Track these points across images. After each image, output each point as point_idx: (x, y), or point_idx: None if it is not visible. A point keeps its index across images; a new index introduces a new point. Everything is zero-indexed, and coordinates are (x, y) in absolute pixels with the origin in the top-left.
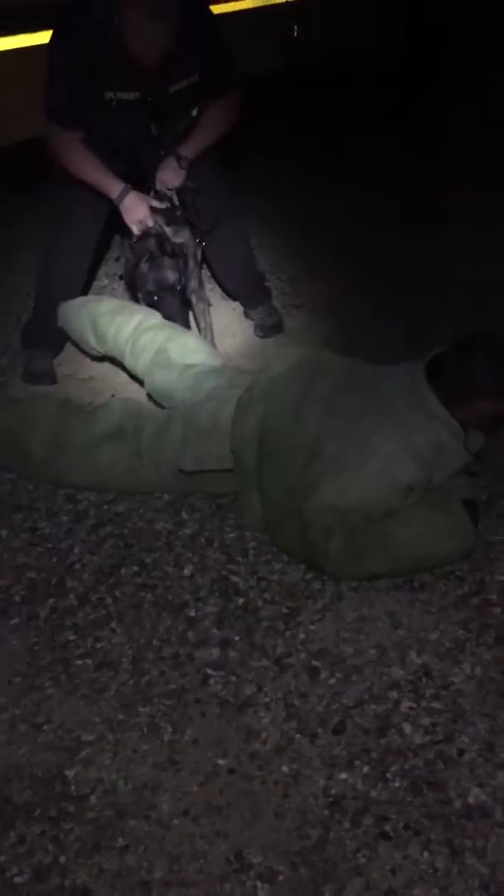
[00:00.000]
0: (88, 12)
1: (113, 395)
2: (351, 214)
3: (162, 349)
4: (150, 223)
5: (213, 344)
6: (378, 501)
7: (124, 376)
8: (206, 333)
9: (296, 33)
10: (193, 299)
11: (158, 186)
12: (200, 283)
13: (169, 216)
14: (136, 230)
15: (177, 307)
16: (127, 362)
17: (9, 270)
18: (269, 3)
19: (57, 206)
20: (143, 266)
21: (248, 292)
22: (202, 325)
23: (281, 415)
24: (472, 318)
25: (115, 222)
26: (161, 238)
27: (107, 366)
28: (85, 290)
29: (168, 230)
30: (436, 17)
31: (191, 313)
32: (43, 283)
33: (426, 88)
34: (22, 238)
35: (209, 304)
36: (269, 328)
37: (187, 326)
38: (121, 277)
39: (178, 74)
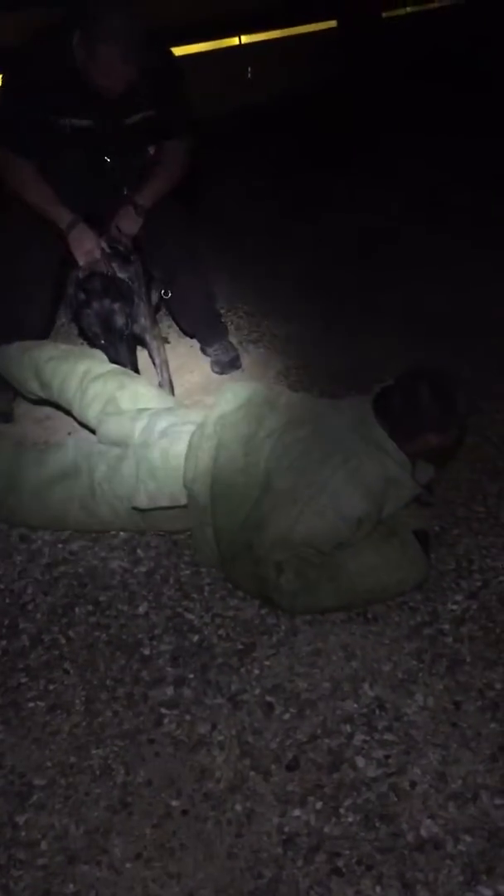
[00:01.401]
0: (44, 40)
1: (69, 434)
2: (307, 251)
3: (112, 398)
4: (98, 255)
5: (169, 380)
6: (328, 535)
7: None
8: (163, 371)
9: (249, 75)
10: (147, 337)
11: (114, 234)
12: (153, 322)
13: (117, 255)
14: (81, 262)
15: (124, 352)
16: (76, 411)
17: None
18: (221, 45)
19: (11, 239)
20: (91, 308)
21: (204, 329)
22: (157, 361)
23: (232, 450)
24: (426, 352)
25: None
26: (108, 279)
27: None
28: (46, 329)
29: (115, 266)
30: (388, 58)
31: (146, 350)
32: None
33: (380, 128)
34: None
35: (165, 342)
36: (225, 364)
37: (135, 370)
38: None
39: (134, 107)
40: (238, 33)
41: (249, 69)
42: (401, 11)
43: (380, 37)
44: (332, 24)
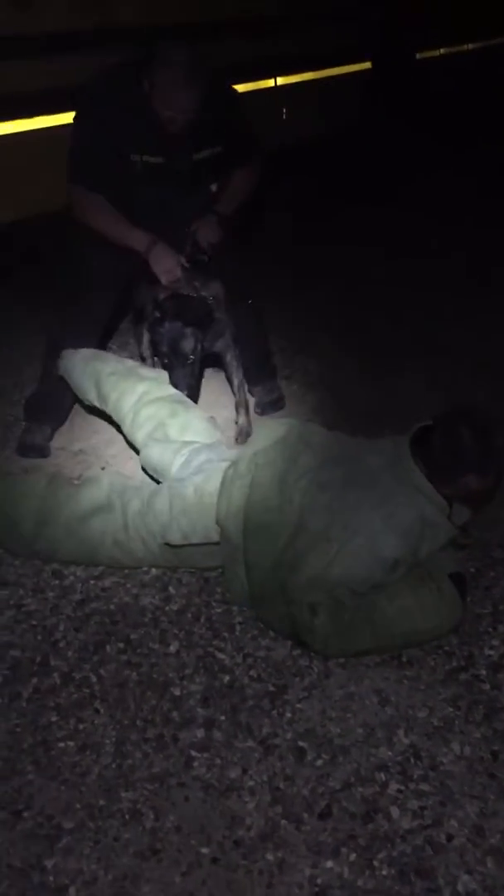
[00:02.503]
0: (116, 77)
1: (103, 468)
2: (340, 288)
3: (162, 424)
4: (179, 274)
5: (245, 402)
6: (364, 576)
7: (115, 449)
8: (240, 392)
9: (284, 116)
10: (228, 356)
11: (200, 241)
12: (233, 339)
13: (200, 270)
14: (164, 280)
15: (185, 376)
16: (126, 429)
17: (15, 345)
18: (258, 87)
19: (73, 280)
20: (163, 327)
21: (254, 368)
22: (235, 381)
23: (266, 488)
24: (462, 389)
25: (133, 285)
26: (185, 301)
27: (97, 438)
28: (103, 342)
29: (197, 284)
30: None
31: (228, 372)
32: (52, 358)
33: (412, 167)
34: (28, 312)
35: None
36: (266, 405)
37: (194, 397)
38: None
39: (202, 143)
40: (274, 75)
41: (285, 110)
42: (434, 52)
43: (414, 78)
44: (367, 65)
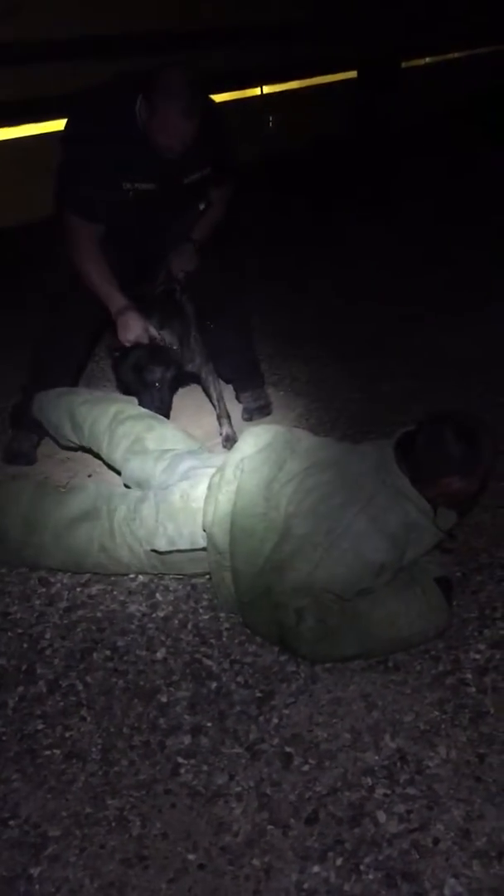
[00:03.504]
0: (108, 104)
1: (90, 476)
2: (327, 294)
3: (139, 438)
4: (145, 341)
5: (227, 412)
6: (349, 580)
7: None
8: (220, 403)
9: (270, 124)
10: (202, 373)
11: (174, 272)
12: (207, 358)
13: (169, 305)
14: (126, 344)
15: (150, 401)
16: (104, 452)
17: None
18: (242, 95)
19: (57, 289)
20: (127, 360)
21: (241, 376)
22: (214, 394)
23: (252, 494)
24: (449, 395)
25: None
26: (151, 348)
27: None
28: (77, 375)
29: (163, 343)
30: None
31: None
32: (36, 367)
33: (398, 176)
34: (13, 321)
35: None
36: (253, 410)
37: (166, 416)
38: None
39: (193, 167)
40: (260, 83)
41: (271, 119)
42: (420, 62)
43: (399, 87)
44: (352, 74)
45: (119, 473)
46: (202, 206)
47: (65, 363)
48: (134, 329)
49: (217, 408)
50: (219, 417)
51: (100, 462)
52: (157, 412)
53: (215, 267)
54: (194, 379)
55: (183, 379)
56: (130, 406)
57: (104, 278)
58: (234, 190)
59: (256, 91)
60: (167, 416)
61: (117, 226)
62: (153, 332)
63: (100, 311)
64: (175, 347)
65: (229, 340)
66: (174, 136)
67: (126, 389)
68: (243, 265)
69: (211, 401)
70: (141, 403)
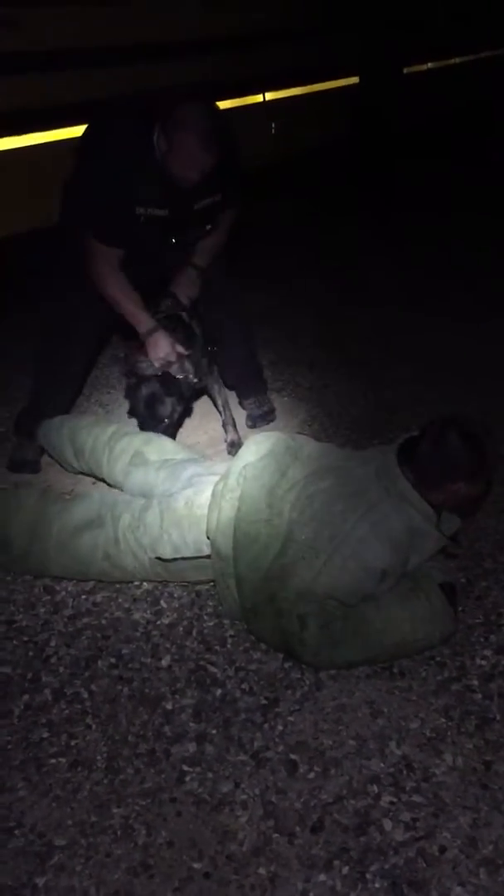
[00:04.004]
0: (126, 130)
1: (94, 483)
2: (329, 299)
3: (139, 451)
4: (174, 359)
5: (232, 419)
6: (352, 587)
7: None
8: (225, 410)
9: (273, 130)
10: (207, 384)
11: (180, 297)
12: (211, 366)
13: (179, 328)
14: (157, 365)
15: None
16: (104, 470)
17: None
18: (245, 102)
19: (64, 301)
20: (140, 392)
21: (244, 383)
22: (219, 402)
23: (255, 501)
24: (453, 401)
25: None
26: (168, 379)
27: None
28: (82, 381)
29: (188, 367)
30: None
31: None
32: (41, 375)
33: (401, 183)
34: (18, 331)
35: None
36: (256, 417)
37: None
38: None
39: (205, 194)
40: (262, 90)
41: (274, 125)
42: (422, 67)
43: (401, 92)
44: (354, 80)
45: (122, 490)
46: (208, 227)
47: (71, 372)
48: (163, 347)
49: (222, 414)
50: (224, 424)
51: None
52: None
53: (219, 275)
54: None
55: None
56: (127, 426)
57: (130, 300)
58: (237, 216)
59: (259, 98)
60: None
61: (131, 248)
62: (181, 349)
63: (101, 323)
64: (192, 377)
65: (233, 348)
66: (192, 169)
67: (137, 420)
68: (242, 273)
69: (216, 407)
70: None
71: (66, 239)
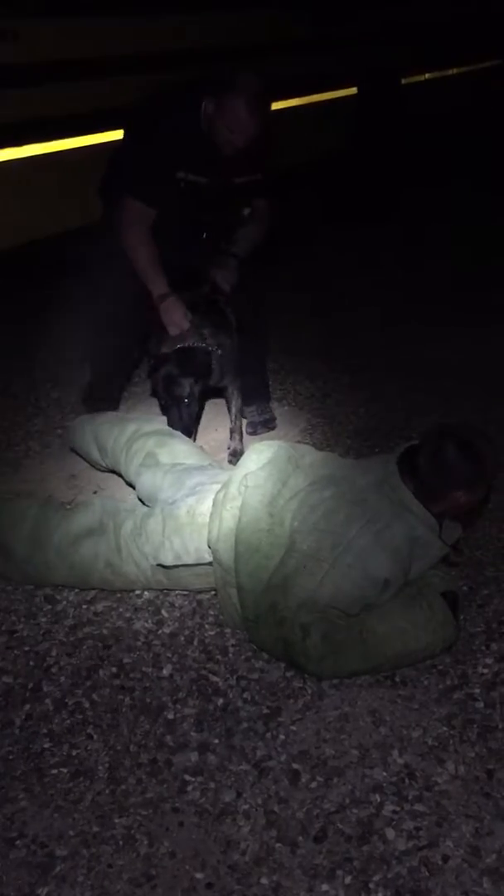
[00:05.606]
0: (174, 100)
1: (95, 492)
2: (330, 309)
3: (151, 453)
4: (186, 326)
5: (240, 428)
6: (354, 596)
7: (107, 474)
8: (236, 419)
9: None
10: (230, 387)
11: (220, 283)
12: (238, 374)
13: (214, 313)
14: (171, 331)
15: (178, 418)
16: (122, 469)
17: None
18: None
19: (111, 295)
20: (158, 373)
21: (248, 391)
22: (233, 409)
23: (256, 510)
24: (453, 410)
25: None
26: (186, 354)
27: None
28: (132, 369)
29: (206, 332)
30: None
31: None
32: (94, 367)
33: (400, 191)
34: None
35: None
36: (258, 425)
37: (188, 435)
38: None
39: (244, 169)
40: None
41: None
42: (420, 78)
43: (399, 103)
44: (352, 91)
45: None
46: (246, 212)
47: (119, 363)
48: (175, 313)
49: (232, 421)
50: (231, 431)
51: (105, 478)
52: (183, 429)
53: (251, 275)
54: (216, 392)
55: (208, 393)
56: (147, 424)
57: (150, 262)
58: (274, 214)
59: None
60: (192, 430)
61: (165, 215)
62: (189, 320)
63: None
64: (216, 350)
65: (249, 355)
66: (239, 131)
67: (158, 401)
68: (268, 281)
69: (230, 413)
70: (169, 418)
71: (108, 212)
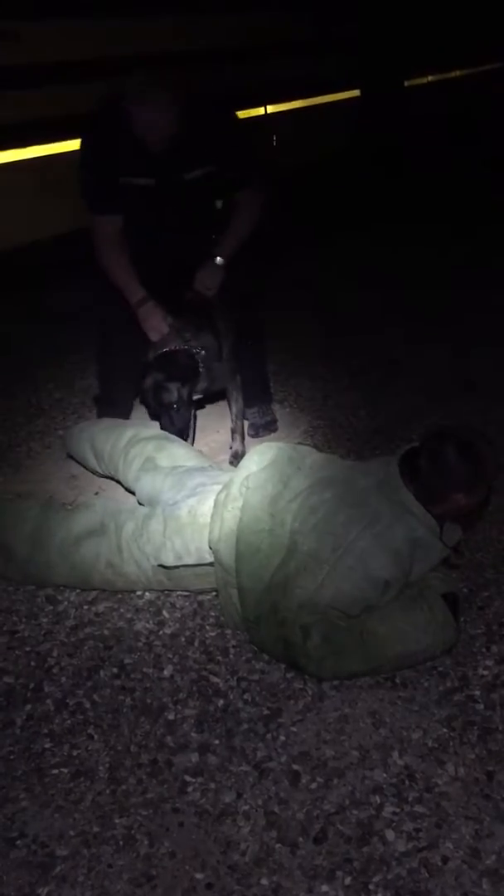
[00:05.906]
0: (107, 107)
1: (97, 493)
2: (331, 311)
3: (150, 457)
4: (166, 330)
5: (242, 428)
6: (355, 597)
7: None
8: (237, 419)
9: (275, 142)
10: (228, 387)
11: (199, 287)
12: (235, 373)
13: (194, 320)
14: (151, 337)
15: (170, 423)
16: (120, 474)
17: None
18: (248, 114)
19: (113, 304)
20: (148, 383)
21: (249, 392)
22: (234, 409)
23: (257, 511)
24: (454, 411)
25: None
26: (169, 356)
27: None
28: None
29: (188, 335)
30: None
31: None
32: (101, 374)
33: (400, 194)
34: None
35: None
36: (259, 426)
37: (185, 438)
38: None
39: (191, 163)
40: (264, 103)
41: (275, 138)
42: (422, 80)
43: (402, 105)
44: (356, 93)
45: (134, 495)
46: (219, 205)
47: (125, 371)
48: (154, 319)
49: (234, 422)
50: (233, 432)
51: (106, 480)
52: (177, 434)
53: (243, 274)
54: (219, 394)
55: (207, 396)
56: (144, 429)
57: (122, 270)
58: (263, 196)
59: (261, 111)
60: (187, 434)
61: (131, 223)
62: (169, 324)
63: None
64: (200, 351)
65: (248, 356)
66: (147, 129)
67: (148, 411)
68: (266, 279)
69: (231, 414)
70: (161, 425)
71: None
